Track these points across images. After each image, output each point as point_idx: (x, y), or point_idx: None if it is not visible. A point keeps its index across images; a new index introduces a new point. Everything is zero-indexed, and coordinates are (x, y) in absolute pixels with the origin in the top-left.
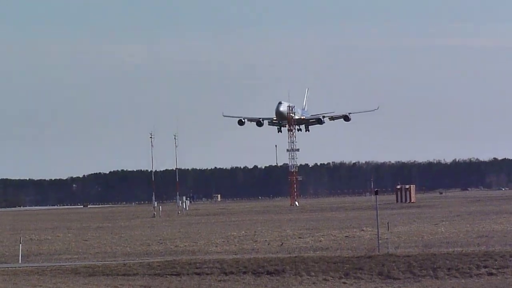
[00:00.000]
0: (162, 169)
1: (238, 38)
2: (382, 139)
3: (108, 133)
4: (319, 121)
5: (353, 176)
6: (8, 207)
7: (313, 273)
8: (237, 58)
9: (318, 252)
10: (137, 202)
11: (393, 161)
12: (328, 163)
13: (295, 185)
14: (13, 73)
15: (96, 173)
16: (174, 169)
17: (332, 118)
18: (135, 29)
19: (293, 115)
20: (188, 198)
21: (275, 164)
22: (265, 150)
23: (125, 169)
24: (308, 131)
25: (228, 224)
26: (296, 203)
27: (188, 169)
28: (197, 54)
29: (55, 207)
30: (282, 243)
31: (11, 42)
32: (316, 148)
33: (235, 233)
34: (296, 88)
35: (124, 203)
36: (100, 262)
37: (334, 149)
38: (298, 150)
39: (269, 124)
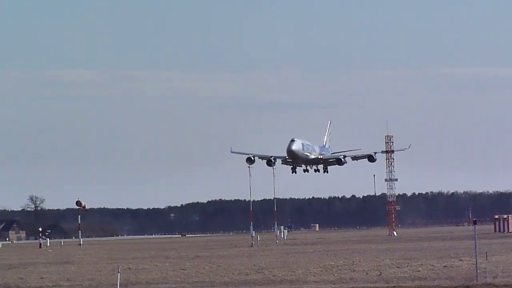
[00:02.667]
0: (260, 199)
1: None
2: (479, 169)
3: (206, 163)
4: (338, 161)
5: (451, 206)
6: (105, 237)
7: None
8: None
9: (416, 282)
10: (235, 232)
11: (491, 191)
12: (426, 193)
13: (393, 215)
14: (114, 104)
15: (194, 203)
16: (272, 198)
17: (355, 158)
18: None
19: (308, 154)
20: (286, 228)
21: (373, 193)
22: (362, 179)
23: (223, 199)
24: (327, 172)
25: (326, 253)
26: (394, 232)
27: (286, 199)
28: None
29: (153, 236)
30: (381, 273)
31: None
32: (414, 178)
33: (333, 263)
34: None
35: (222, 232)
36: None
37: (431, 179)
38: (396, 179)
39: (282, 163)
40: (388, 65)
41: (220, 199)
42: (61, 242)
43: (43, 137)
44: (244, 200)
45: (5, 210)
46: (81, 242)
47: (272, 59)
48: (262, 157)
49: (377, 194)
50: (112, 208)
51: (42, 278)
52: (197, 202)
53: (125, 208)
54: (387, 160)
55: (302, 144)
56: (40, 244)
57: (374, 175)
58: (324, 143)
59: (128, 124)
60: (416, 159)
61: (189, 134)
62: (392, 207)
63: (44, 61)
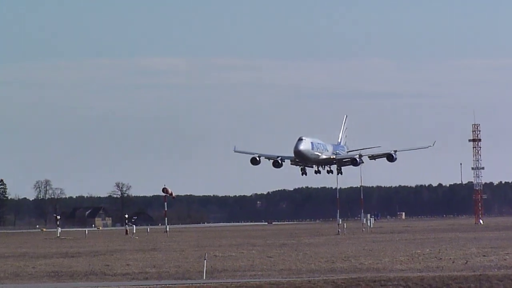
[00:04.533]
0: (346, 187)
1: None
2: None
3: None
4: (353, 161)
5: None
6: (192, 224)
7: None
8: None
9: (502, 271)
10: (321, 219)
11: None
12: None
13: (479, 203)
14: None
15: (281, 190)
16: (359, 186)
17: (372, 157)
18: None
19: (319, 154)
20: (373, 216)
21: (460, 182)
22: (449, 168)
23: (309, 186)
24: (341, 173)
25: (412, 242)
26: (481, 221)
27: (373, 187)
28: None
29: (239, 224)
30: (467, 261)
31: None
32: (501, 166)
33: (419, 251)
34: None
35: (309, 220)
36: (285, 279)
37: None
38: (483, 168)
39: (291, 164)
40: (480, 55)
41: (306, 187)
42: (147, 229)
43: (130, 124)
44: (331, 188)
45: (91, 196)
46: (168, 229)
47: (362, 49)
48: (268, 157)
49: (463, 183)
50: (199, 196)
51: (128, 265)
52: (284, 190)
53: (212, 195)
54: (474, 148)
55: (312, 143)
56: (126, 230)
57: (461, 164)
58: (339, 140)
59: (217, 112)
60: (504, 148)
61: (275, 121)
62: (479, 195)
63: (133, 48)
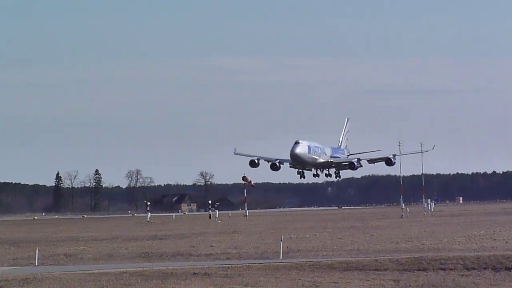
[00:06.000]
0: (409, 174)
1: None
2: None
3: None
4: (351, 165)
5: None
6: (269, 208)
7: None
8: None
9: None
10: (386, 204)
11: None
12: None
13: None
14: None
15: (349, 178)
16: (420, 174)
17: (371, 161)
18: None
19: (316, 157)
20: (433, 201)
21: None
22: (504, 156)
23: (375, 174)
24: (339, 177)
25: (469, 224)
26: None
27: (433, 174)
28: None
29: (312, 208)
30: None
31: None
32: None
33: (475, 232)
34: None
35: (374, 205)
36: (354, 258)
37: None
38: None
39: (290, 167)
40: None
41: (372, 175)
42: (228, 213)
43: (211, 118)
44: (395, 176)
45: (178, 184)
46: (247, 214)
47: (420, 47)
48: (267, 160)
49: None
50: (276, 183)
51: (211, 246)
52: (352, 177)
53: (287, 182)
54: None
55: (308, 146)
56: (210, 215)
57: None
58: (340, 143)
59: (289, 106)
60: None
61: (339, 116)
62: None
63: (209, 48)
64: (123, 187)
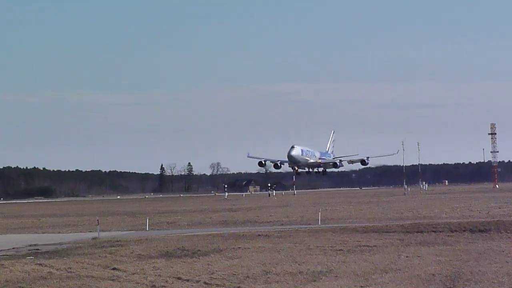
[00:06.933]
0: (409, 164)
1: None
2: None
3: (374, 131)
4: (334, 165)
5: None
6: (310, 189)
7: (510, 231)
8: None
9: None
10: (393, 186)
11: None
12: None
13: (495, 174)
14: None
15: (367, 168)
16: (418, 164)
17: (351, 162)
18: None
19: (308, 159)
20: (426, 183)
21: (483, 160)
22: (477, 151)
23: (386, 165)
24: (325, 174)
25: (452, 199)
26: (497, 186)
27: (427, 164)
28: None
29: (340, 189)
30: (489, 212)
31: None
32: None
33: (457, 205)
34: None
35: (385, 186)
36: (371, 224)
37: None
38: (497, 151)
39: (289, 166)
40: None
41: (383, 165)
42: (282, 193)
43: (266, 117)
44: (400, 165)
45: (246, 172)
46: (295, 193)
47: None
48: (271, 161)
49: (485, 161)
50: None
51: (270, 215)
52: (369, 167)
53: None
54: (492, 139)
55: (302, 150)
56: (269, 194)
57: (483, 149)
58: (327, 149)
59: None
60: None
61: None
62: (495, 169)
63: (272, 75)
64: (208, 175)
